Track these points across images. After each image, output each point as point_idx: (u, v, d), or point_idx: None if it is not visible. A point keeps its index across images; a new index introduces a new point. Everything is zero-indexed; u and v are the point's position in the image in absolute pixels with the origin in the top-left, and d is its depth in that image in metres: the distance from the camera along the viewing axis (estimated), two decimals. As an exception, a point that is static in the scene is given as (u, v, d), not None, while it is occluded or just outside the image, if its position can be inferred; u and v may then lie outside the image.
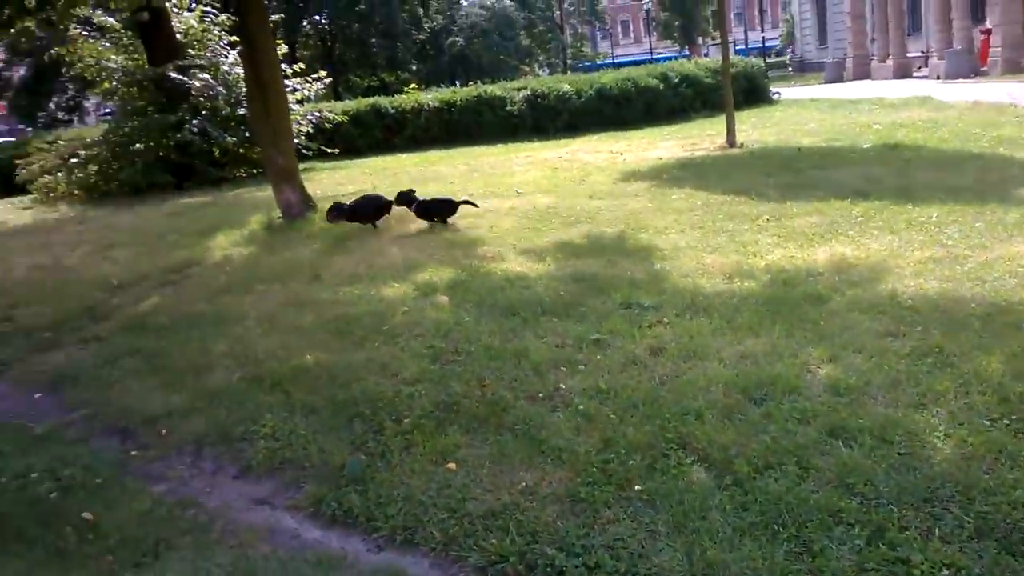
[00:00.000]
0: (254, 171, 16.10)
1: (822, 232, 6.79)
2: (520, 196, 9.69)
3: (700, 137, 14.92)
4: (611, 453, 3.53)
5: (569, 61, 52.07)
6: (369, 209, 8.78)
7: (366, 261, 7.22)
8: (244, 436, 4.21)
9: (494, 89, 20.65)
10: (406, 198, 8.71)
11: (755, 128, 15.42)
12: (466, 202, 8.87)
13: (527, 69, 49.66)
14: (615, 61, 53.94)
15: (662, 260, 6.41)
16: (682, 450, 3.51)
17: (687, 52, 56.33)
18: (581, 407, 3.96)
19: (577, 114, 19.48)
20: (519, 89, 20.38)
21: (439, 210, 8.71)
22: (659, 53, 56.58)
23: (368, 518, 3.36)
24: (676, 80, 20.26)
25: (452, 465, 3.62)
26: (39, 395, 5.36)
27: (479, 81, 23.65)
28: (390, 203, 8.81)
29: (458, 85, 27.72)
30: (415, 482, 3.52)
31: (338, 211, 8.71)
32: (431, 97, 20.64)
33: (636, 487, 3.28)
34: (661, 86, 20.02)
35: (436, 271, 6.58)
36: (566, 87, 19.88)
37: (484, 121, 19.84)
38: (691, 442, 3.55)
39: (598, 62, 59.83)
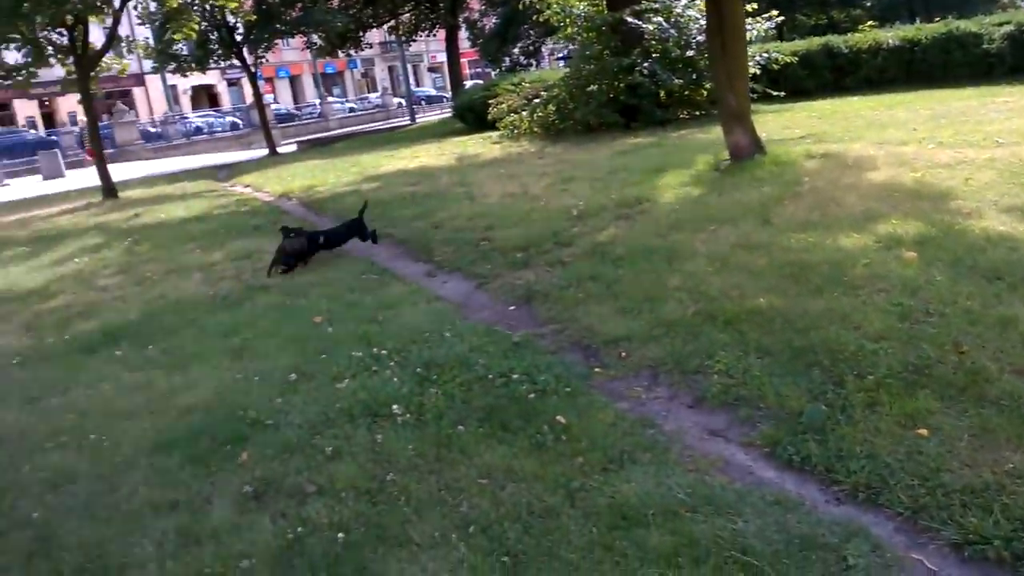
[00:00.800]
0: (696, 113, 16.29)
1: None
2: (1001, 146, 8.48)
3: None
4: None
5: (1065, -11, 43.73)
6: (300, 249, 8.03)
7: (819, 208, 6.91)
8: (698, 369, 4.37)
9: (969, 25, 18.18)
10: (290, 234, 8.03)
11: None
12: (363, 210, 8.48)
13: (1007, 1, 42.87)
14: None
15: None
16: None
17: None
18: (1088, 392, 3.44)
19: (1076, 52, 16.45)
20: (1000, 24, 17.71)
21: (341, 238, 8.30)
22: None
23: (827, 469, 3.31)
24: None
25: (923, 431, 3.40)
26: (513, 307, 6.08)
27: (944, 16, 20.96)
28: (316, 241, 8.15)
29: (917, 21, 24.91)
30: (880, 441, 3.38)
31: (284, 260, 7.93)
32: (891, 35, 18.87)
33: None
34: None
35: (900, 224, 6.08)
36: (1065, 20, 16.83)
37: (952, 61, 17.65)
38: None
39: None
